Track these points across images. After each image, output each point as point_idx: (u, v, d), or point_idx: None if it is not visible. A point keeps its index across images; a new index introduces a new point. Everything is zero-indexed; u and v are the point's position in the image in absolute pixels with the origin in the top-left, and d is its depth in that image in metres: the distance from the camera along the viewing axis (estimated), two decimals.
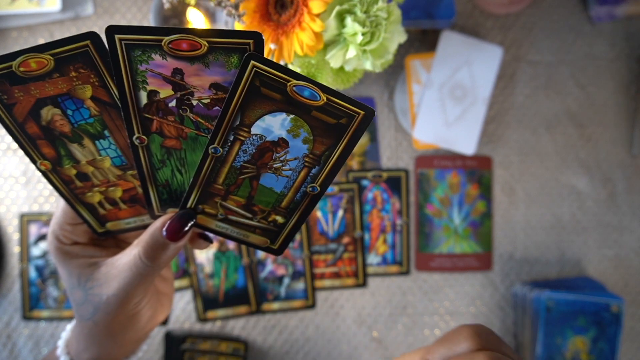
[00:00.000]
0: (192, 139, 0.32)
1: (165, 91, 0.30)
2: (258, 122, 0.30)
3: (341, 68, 0.47)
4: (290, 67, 0.46)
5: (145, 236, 0.33)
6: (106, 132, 0.32)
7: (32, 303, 0.64)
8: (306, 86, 0.28)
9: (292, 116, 0.30)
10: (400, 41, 0.46)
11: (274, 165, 0.32)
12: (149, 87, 0.30)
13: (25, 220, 0.64)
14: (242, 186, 0.33)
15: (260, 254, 0.64)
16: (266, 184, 0.33)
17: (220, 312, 0.64)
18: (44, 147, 0.32)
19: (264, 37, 0.28)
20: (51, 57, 0.28)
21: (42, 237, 0.64)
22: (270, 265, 0.64)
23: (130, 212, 0.36)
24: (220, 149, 0.31)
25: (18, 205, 0.65)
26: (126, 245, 0.39)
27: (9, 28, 0.65)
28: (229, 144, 0.31)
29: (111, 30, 0.27)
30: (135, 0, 0.65)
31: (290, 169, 0.32)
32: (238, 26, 0.42)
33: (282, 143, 0.31)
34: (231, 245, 0.64)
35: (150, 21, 0.64)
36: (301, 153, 0.31)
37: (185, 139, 0.32)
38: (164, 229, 0.33)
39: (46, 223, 0.64)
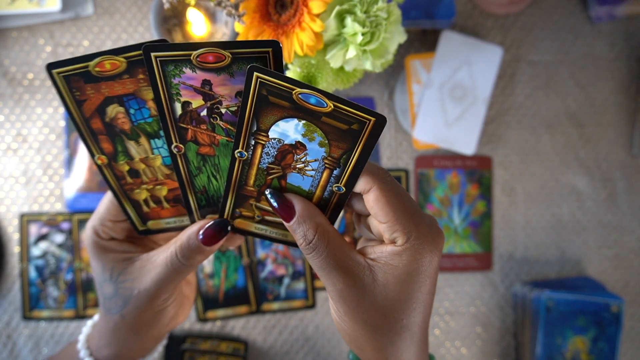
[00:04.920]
0: (223, 146, 0.34)
1: (197, 101, 0.32)
2: (274, 127, 0.31)
3: (341, 68, 0.47)
4: (290, 67, 0.46)
5: (182, 236, 0.35)
6: (161, 132, 0.34)
7: (32, 303, 0.64)
8: (311, 94, 0.29)
9: (303, 121, 0.31)
10: (400, 41, 0.46)
11: (297, 166, 0.33)
12: (182, 99, 0.32)
13: (25, 220, 0.64)
14: (272, 186, 0.34)
15: (260, 254, 0.64)
16: (294, 183, 0.34)
17: (220, 312, 0.64)
18: (104, 142, 0.35)
19: (281, 45, 0.29)
20: (124, 60, 0.31)
21: (42, 237, 0.64)
22: (270, 265, 0.64)
23: (172, 212, 0.38)
24: (245, 153, 0.33)
25: (18, 205, 0.65)
26: (157, 245, 0.41)
27: (9, 28, 0.65)
28: (252, 147, 0.32)
29: (147, 48, 0.30)
30: (135, 0, 0.65)
31: (312, 169, 0.33)
32: (238, 26, 0.42)
33: (299, 146, 0.32)
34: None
35: (150, 21, 0.64)
36: (320, 155, 0.32)
37: (217, 146, 0.34)
38: (201, 232, 0.35)
39: (46, 223, 0.64)
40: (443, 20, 0.60)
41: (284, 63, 0.44)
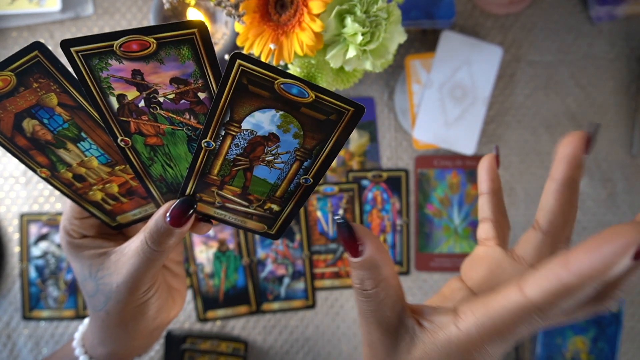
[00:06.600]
0: (170, 134, 0.33)
1: (132, 93, 0.31)
2: (248, 118, 0.31)
3: (341, 68, 0.47)
4: (290, 67, 0.46)
5: (150, 222, 0.34)
6: (83, 134, 0.34)
7: (32, 303, 0.64)
8: (294, 84, 0.29)
9: (281, 112, 0.30)
10: (400, 41, 0.46)
11: (266, 158, 0.33)
12: (116, 92, 0.31)
13: (25, 220, 0.64)
14: (237, 177, 0.34)
15: (260, 254, 0.64)
16: (260, 175, 0.33)
17: (220, 312, 0.64)
18: (37, 157, 0.34)
19: (206, 24, 0.29)
20: (11, 73, 0.30)
21: (42, 237, 0.64)
22: (270, 265, 0.64)
23: (132, 205, 0.38)
24: (213, 143, 0.32)
25: (18, 205, 0.65)
26: (132, 235, 0.40)
27: (9, 28, 0.65)
28: (221, 138, 0.32)
29: (66, 44, 0.29)
30: (136, 0, 0.65)
31: (282, 162, 0.33)
32: (238, 26, 0.42)
33: (272, 137, 0.32)
34: (231, 245, 0.64)
35: (150, 21, 0.64)
36: (292, 147, 0.32)
37: (164, 135, 0.33)
38: (168, 214, 0.34)
39: (46, 223, 0.64)
40: (443, 20, 0.60)
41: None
